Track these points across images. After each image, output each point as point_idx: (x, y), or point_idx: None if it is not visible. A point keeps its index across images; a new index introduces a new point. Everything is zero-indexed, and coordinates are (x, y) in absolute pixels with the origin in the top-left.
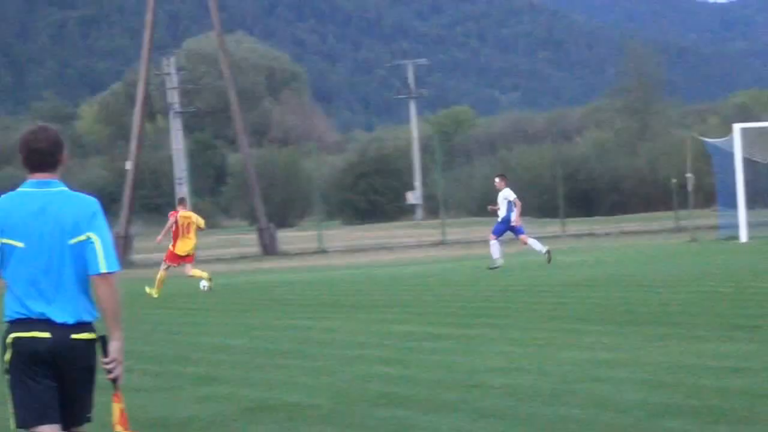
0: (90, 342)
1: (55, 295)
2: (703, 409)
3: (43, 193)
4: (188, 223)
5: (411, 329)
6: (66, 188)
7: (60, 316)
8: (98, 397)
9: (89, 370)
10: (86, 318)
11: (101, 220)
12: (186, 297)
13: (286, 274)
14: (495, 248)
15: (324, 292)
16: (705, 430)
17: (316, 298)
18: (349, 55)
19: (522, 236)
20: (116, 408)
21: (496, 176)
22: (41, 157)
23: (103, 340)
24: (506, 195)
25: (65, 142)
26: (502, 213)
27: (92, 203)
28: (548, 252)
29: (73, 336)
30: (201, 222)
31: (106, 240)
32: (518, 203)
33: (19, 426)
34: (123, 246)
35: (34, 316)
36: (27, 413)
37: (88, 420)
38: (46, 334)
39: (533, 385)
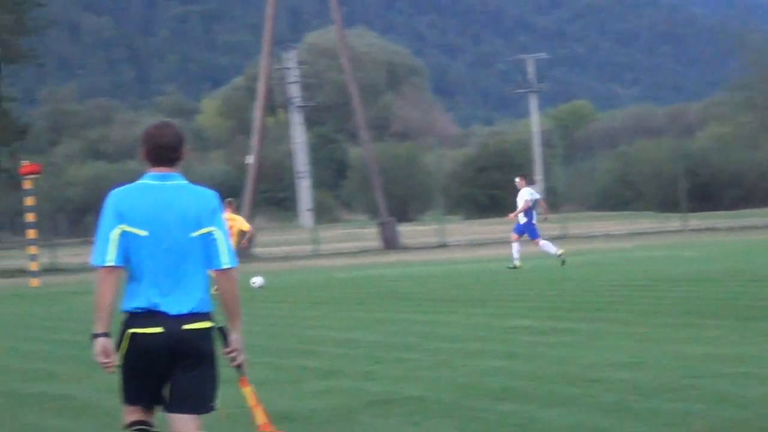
0: (204, 332)
1: (173, 286)
2: None
3: (166, 186)
4: (230, 226)
5: (532, 323)
6: (186, 182)
7: (174, 308)
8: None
9: (205, 360)
10: (202, 309)
11: (221, 215)
12: (309, 290)
13: (408, 268)
14: (515, 248)
15: (445, 286)
16: None
17: (437, 293)
18: (469, 49)
19: (537, 240)
20: (248, 392)
21: (517, 176)
22: (164, 151)
23: (222, 331)
24: (524, 195)
25: (186, 137)
26: (521, 214)
27: (213, 197)
28: (562, 255)
29: (185, 327)
30: (245, 226)
31: (225, 235)
32: (543, 202)
33: (124, 403)
34: (246, 240)
35: (150, 308)
36: (135, 399)
37: (211, 409)
38: (159, 329)
39: (654, 380)
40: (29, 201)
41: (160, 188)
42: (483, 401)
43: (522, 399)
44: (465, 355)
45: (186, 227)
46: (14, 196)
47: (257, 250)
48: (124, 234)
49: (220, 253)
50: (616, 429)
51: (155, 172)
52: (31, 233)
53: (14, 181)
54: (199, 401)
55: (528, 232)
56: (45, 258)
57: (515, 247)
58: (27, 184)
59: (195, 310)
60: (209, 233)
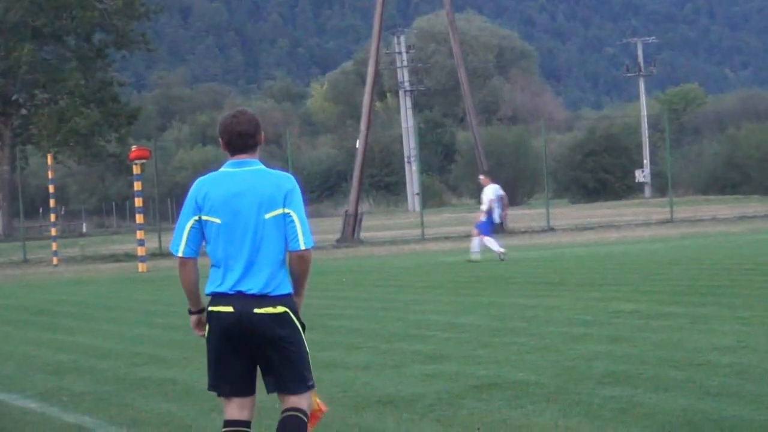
0: (275, 316)
1: (247, 268)
2: None
3: (242, 172)
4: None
5: (637, 307)
6: (263, 166)
7: (248, 289)
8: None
9: (283, 341)
10: (276, 291)
11: (298, 197)
12: (415, 274)
13: (514, 252)
14: (476, 243)
15: (551, 270)
16: None
17: (542, 276)
18: (578, 33)
19: (485, 237)
20: None
21: (481, 174)
22: (240, 139)
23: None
24: (488, 193)
25: (260, 123)
26: (485, 209)
27: (288, 180)
28: (504, 255)
29: (257, 310)
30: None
31: (302, 217)
32: (505, 199)
33: (210, 389)
34: (352, 224)
35: (226, 290)
36: (218, 382)
37: (309, 388)
38: (230, 308)
39: (761, 365)
40: (137, 186)
41: (234, 175)
42: (586, 385)
43: (625, 383)
44: (569, 339)
45: (260, 210)
46: (123, 181)
47: (364, 234)
48: (199, 223)
49: (297, 234)
50: (721, 413)
51: (233, 159)
52: (139, 218)
53: (123, 166)
54: (292, 382)
55: (482, 226)
56: (153, 243)
57: (475, 242)
58: (136, 169)
59: (266, 292)
60: (285, 214)
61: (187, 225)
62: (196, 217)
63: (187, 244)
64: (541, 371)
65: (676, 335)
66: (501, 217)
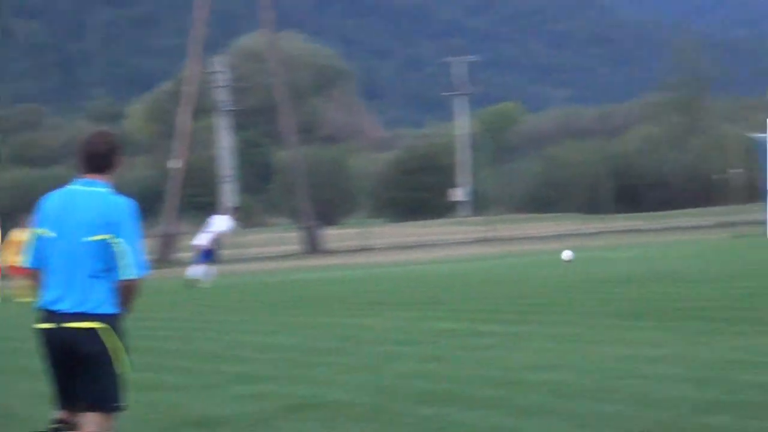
0: (86, 331)
1: (66, 286)
2: (747, 406)
3: (80, 192)
4: None
5: (454, 326)
6: (107, 189)
7: (63, 306)
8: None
9: (96, 358)
10: (92, 310)
11: (131, 225)
12: (231, 295)
13: (330, 272)
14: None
15: (367, 289)
16: (748, 427)
17: (359, 296)
18: (398, 52)
19: (204, 262)
20: None
21: (227, 207)
22: (92, 159)
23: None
24: (219, 224)
25: (119, 146)
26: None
27: (123, 208)
28: (201, 284)
29: (72, 325)
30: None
31: (134, 245)
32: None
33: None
34: (167, 244)
35: (48, 305)
36: (54, 395)
37: (117, 409)
38: (51, 325)
39: (576, 382)
40: None
41: (72, 193)
42: (403, 405)
43: (442, 402)
44: (386, 358)
45: (80, 231)
46: None
47: (180, 255)
48: (39, 237)
49: (124, 263)
50: (536, 431)
51: (82, 178)
52: None
53: None
54: (97, 400)
55: (205, 255)
56: None
57: (199, 269)
58: None
59: (82, 310)
60: (106, 240)
61: (31, 237)
62: (38, 230)
63: (31, 255)
64: (358, 391)
65: (493, 354)
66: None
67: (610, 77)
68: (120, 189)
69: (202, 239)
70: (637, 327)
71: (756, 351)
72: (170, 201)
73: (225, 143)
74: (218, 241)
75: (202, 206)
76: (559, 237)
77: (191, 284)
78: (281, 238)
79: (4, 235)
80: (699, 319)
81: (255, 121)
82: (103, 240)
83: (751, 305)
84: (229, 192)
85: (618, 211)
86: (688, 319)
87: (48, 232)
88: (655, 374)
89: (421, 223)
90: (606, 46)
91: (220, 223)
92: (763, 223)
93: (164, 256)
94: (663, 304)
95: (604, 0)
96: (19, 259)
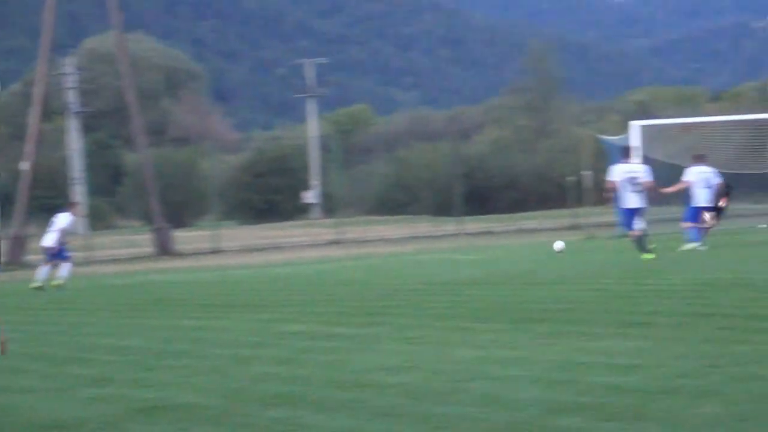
0: None
1: None
2: (596, 407)
3: None
4: None
5: (305, 328)
6: None
7: None
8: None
9: None
10: None
11: None
12: (82, 297)
13: (181, 274)
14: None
15: (218, 292)
16: (597, 428)
17: (210, 298)
18: (249, 54)
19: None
20: None
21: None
22: None
23: None
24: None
25: None
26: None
27: None
28: (47, 282)
29: None
30: None
31: None
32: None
33: None
34: (17, 246)
35: None
36: None
37: None
38: None
39: (427, 384)
40: None
41: None
42: (253, 407)
43: (292, 404)
44: (236, 361)
45: None
46: None
47: (30, 257)
48: None
49: None
50: None
51: None
52: None
53: None
54: None
55: (54, 254)
56: None
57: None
58: None
59: None
60: None
61: None
62: None
63: None
64: (208, 393)
65: (343, 356)
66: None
67: (460, 79)
68: None
69: (48, 240)
70: (489, 329)
71: (605, 352)
72: (20, 203)
73: (75, 145)
74: (63, 238)
75: (52, 208)
76: (410, 239)
77: (41, 286)
78: (132, 241)
79: None
80: (550, 320)
81: (105, 122)
82: None
83: (602, 307)
84: (79, 194)
85: (469, 213)
86: (539, 321)
87: None
88: (505, 376)
89: (272, 225)
90: (456, 48)
91: (62, 220)
92: (613, 224)
93: (14, 258)
94: (514, 305)
95: (455, 2)
96: None
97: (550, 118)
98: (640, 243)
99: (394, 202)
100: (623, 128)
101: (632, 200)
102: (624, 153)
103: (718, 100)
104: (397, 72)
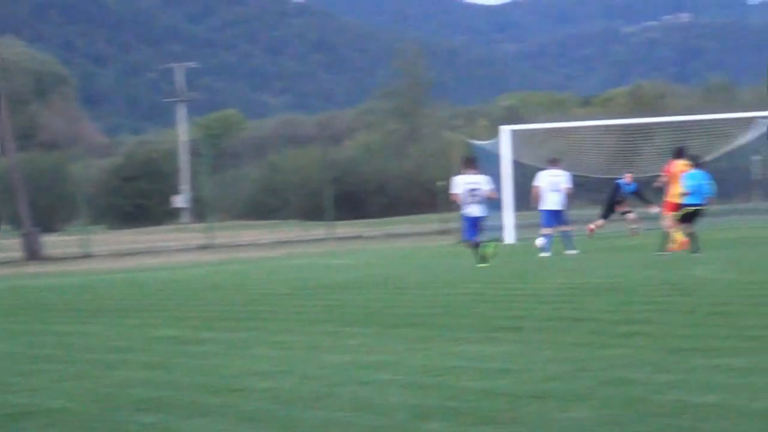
0: None
1: None
2: (467, 411)
3: None
4: None
5: (175, 333)
6: None
7: None
8: None
9: None
10: None
11: None
12: None
13: (50, 279)
14: None
15: (87, 296)
16: None
17: (78, 303)
18: (118, 58)
19: None
20: None
21: None
22: None
23: None
24: None
25: None
26: None
27: None
28: None
29: None
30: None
31: None
32: None
33: None
34: None
35: None
36: None
37: None
38: None
39: (296, 389)
40: None
41: None
42: (124, 412)
43: (162, 409)
44: (106, 366)
45: None
46: None
47: None
48: None
49: None
50: None
51: None
52: None
53: None
54: None
55: None
56: None
57: None
58: None
59: None
60: None
61: None
62: None
63: None
64: (78, 398)
65: (213, 361)
66: None
67: (331, 84)
68: None
69: None
70: (359, 333)
71: (475, 357)
72: None
73: None
74: None
75: None
76: (280, 243)
77: None
78: (0, 245)
79: None
80: (420, 325)
81: None
82: None
83: (472, 311)
84: None
85: (340, 218)
86: (410, 326)
87: None
88: (375, 380)
89: (142, 230)
90: (326, 52)
91: None
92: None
93: None
94: (384, 310)
95: (326, 6)
96: None
97: (421, 123)
98: (476, 251)
99: (265, 207)
100: (493, 133)
101: (473, 210)
102: (465, 164)
103: (588, 105)
104: (267, 76)
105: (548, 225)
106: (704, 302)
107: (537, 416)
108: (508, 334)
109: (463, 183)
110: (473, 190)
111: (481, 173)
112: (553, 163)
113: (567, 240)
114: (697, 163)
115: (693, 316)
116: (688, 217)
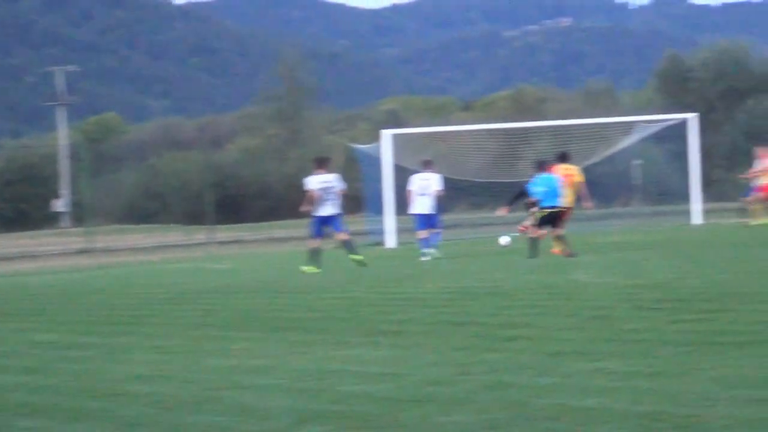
0: None
1: None
2: (348, 415)
3: None
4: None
5: (55, 338)
6: None
7: None
8: None
9: None
10: None
11: None
12: None
13: None
14: None
15: None
16: None
17: None
18: None
19: None
20: None
21: None
22: None
23: None
24: None
25: None
26: None
27: None
28: None
29: None
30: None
31: None
32: None
33: None
34: None
35: None
36: None
37: None
38: None
39: (178, 393)
40: None
41: None
42: (3, 417)
43: (42, 415)
44: None
45: None
46: None
47: None
48: None
49: None
50: None
51: None
52: None
53: None
54: None
55: None
56: None
57: None
58: None
59: None
60: None
61: None
62: None
63: None
64: None
65: (94, 365)
66: None
67: (212, 88)
68: None
69: None
70: (240, 338)
71: (357, 361)
72: None
73: None
74: None
75: None
76: (160, 248)
77: None
78: None
79: None
80: (301, 329)
81: None
82: None
83: (352, 315)
84: None
85: (220, 222)
86: (291, 330)
87: None
88: (257, 385)
89: (21, 234)
90: (208, 56)
91: None
92: (366, 233)
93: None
94: (266, 314)
95: (207, 10)
96: None
97: (302, 127)
98: (313, 253)
99: (145, 211)
100: (374, 137)
101: (326, 209)
102: (317, 163)
103: (470, 109)
104: (148, 80)
105: (421, 228)
106: (584, 306)
107: (418, 420)
108: (390, 338)
109: (316, 182)
110: (327, 188)
111: (332, 172)
112: (426, 165)
113: (428, 243)
114: (543, 167)
115: (573, 319)
116: (546, 220)
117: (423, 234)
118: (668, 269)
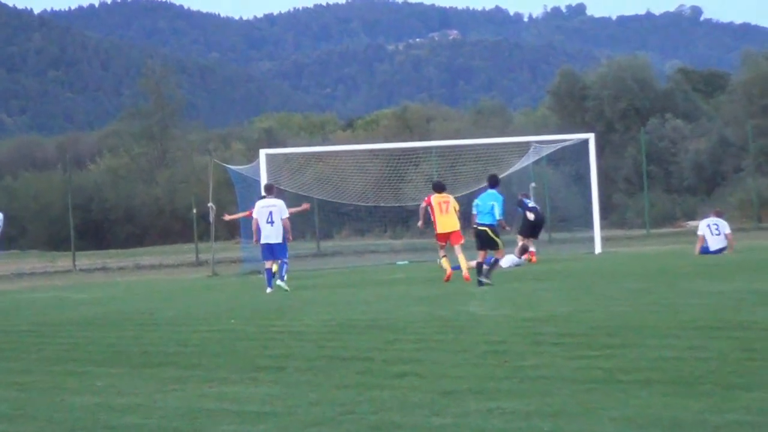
0: None
1: None
2: None
3: None
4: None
5: None
6: None
7: None
8: None
9: None
10: None
11: None
12: None
13: None
14: None
15: None
16: None
17: None
18: None
19: None
20: None
21: None
22: None
23: None
24: None
25: None
26: None
27: None
28: None
29: None
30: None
31: None
32: None
33: None
34: None
35: None
36: None
37: None
38: None
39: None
40: None
41: None
42: None
43: None
44: None
45: None
46: None
47: None
48: None
49: None
50: None
51: None
52: None
53: None
54: None
55: None
56: None
57: None
58: None
59: None
60: None
61: None
62: None
63: None
64: None
65: None
66: None
67: (73, 104)
68: None
69: None
70: (106, 374)
71: (233, 398)
72: None
73: None
74: None
75: None
76: (18, 276)
77: None
78: None
79: None
80: (172, 364)
81: None
82: None
83: (229, 350)
84: None
85: (84, 248)
86: (161, 365)
87: None
88: (124, 424)
89: None
90: (68, 70)
91: None
92: (240, 261)
93: None
94: (134, 348)
95: (67, 20)
96: None
97: (170, 146)
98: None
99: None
100: (250, 157)
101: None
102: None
103: (352, 127)
104: (3, 95)
105: (266, 259)
106: (479, 340)
107: None
108: (269, 374)
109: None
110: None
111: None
112: (269, 190)
113: (273, 275)
114: (493, 183)
115: (467, 355)
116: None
117: (268, 264)
118: (567, 301)
